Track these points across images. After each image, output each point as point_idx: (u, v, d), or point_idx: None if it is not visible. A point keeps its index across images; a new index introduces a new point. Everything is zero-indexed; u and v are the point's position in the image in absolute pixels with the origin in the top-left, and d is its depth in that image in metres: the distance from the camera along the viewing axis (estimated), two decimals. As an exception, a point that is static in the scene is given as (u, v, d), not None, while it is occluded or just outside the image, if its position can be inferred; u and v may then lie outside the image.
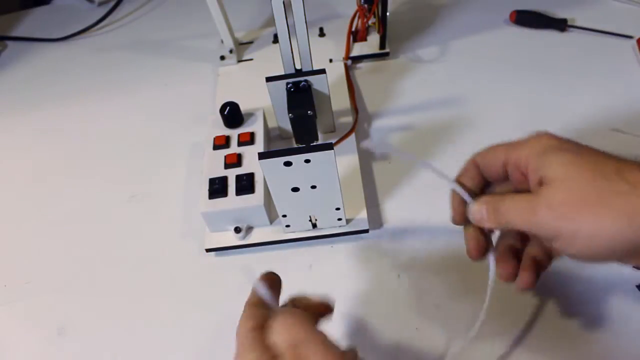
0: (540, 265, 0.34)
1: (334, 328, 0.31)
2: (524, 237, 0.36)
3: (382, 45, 0.63)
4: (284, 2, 0.43)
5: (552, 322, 0.40)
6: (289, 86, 0.48)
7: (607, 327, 0.39)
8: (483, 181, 0.34)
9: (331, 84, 0.50)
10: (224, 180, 0.47)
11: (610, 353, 0.38)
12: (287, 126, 0.52)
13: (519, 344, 0.39)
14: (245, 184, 0.46)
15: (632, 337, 0.39)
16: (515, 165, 0.32)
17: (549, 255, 0.35)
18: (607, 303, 0.40)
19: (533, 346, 0.39)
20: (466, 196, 0.34)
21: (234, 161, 0.48)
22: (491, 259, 0.35)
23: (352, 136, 0.53)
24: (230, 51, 0.66)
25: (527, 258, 0.35)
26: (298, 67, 0.49)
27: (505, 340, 0.39)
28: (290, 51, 0.47)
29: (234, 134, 0.51)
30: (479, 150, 0.34)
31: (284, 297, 0.44)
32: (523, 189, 0.32)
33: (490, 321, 0.36)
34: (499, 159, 0.32)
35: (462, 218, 0.35)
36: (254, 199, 0.46)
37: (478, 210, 0.33)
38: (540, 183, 0.29)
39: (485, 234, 0.35)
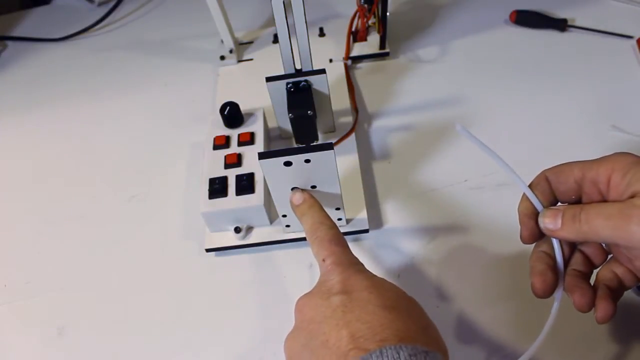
0: (615, 293, 0.32)
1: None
2: (590, 263, 0.34)
3: (382, 45, 0.63)
4: (284, 2, 0.43)
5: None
6: (289, 86, 0.48)
7: (606, 327, 0.39)
8: (553, 198, 0.32)
9: (331, 84, 0.50)
10: (224, 180, 0.47)
11: (610, 353, 0.38)
12: (287, 126, 0.52)
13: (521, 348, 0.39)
14: (245, 184, 0.46)
15: (632, 337, 0.39)
16: (593, 182, 0.30)
17: (625, 280, 0.32)
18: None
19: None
20: (537, 203, 0.31)
21: (234, 161, 0.48)
22: (558, 293, 0.32)
23: (352, 136, 0.53)
24: (230, 51, 0.66)
25: (602, 285, 0.32)
26: (298, 67, 0.49)
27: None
28: (290, 51, 0.47)
29: (234, 134, 0.51)
30: (549, 166, 0.32)
31: (278, 298, 0.44)
32: None
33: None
34: (573, 175, 0.31)
35: (532, 235, 0.32)
36: (254, 199, 0.46)
37: (552, 215, 0.30)
38: (632, 197, 0.27)
39: (554, 269, 0.32)
